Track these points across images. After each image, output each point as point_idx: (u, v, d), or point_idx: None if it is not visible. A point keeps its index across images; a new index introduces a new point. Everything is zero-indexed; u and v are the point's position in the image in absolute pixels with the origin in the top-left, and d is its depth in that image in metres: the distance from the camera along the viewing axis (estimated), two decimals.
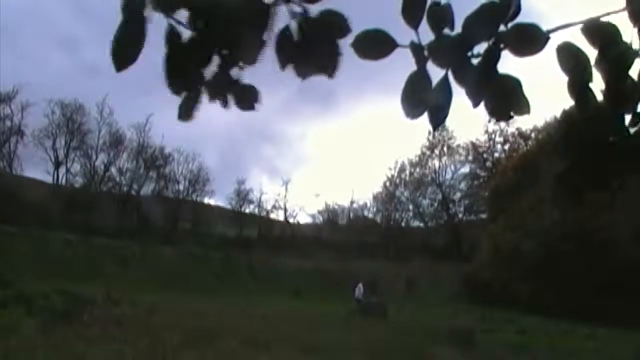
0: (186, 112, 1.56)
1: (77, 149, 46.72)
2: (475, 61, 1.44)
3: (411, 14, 1.43)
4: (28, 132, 44.77)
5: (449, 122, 50.24)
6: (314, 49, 1.48)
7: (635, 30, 1.48)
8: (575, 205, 26.00)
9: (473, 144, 51.42)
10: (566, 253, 28.64)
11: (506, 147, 50.28)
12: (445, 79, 1.45)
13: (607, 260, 26.74)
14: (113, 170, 48.27)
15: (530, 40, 1.40)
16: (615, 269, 26.11)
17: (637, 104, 1.67)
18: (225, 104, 1.59)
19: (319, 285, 36.60)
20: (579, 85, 1.52)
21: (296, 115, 78.61)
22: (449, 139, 52.51)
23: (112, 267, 32.54)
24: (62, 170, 46.48)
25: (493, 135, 50.34)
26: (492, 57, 1.42)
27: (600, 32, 1.46)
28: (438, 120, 1.49)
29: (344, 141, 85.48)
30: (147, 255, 35.99)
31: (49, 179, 46.31)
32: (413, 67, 1.49)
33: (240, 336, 12.71)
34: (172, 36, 1.44)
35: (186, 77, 1.52)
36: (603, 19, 1.47)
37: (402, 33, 1.47)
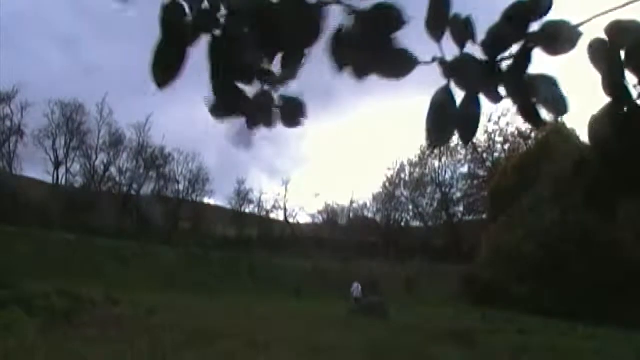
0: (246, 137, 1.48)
1: (77, 149, 46.74)
2: (505, 65, 1.37)
3: (434, 26, 1.36)
4: (28, 132, 44.84)
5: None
6: (373, 47, 1.39)
7: None
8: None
9: (473, 143, 51.31)
10: (566, 253, 28.65)
11: (506, 147, 50.30)
12: (473, 93, 1.37)
13: (608, 260, 26.75)
14: (113, 170, 48.33)
15: (563, 38, 1.34)
16: (616, 268, 26.12)
17: None
18: (269, 124, 1.51)
19: (319, 285, 36.60)
20: (615, 83, 1.45)
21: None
22: None
23: (112, 267, 32.52)
24: (62, 170, 46.51)
25: (493, 135, 50.38)
26: (523, 60, 1.35)
27: (624, 31, 1.41)
28: (469, 137, 1.42)
29: (344, 141, 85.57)
30: (147, 255, 35.98)
31: (48, 179, 46.35)
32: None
33: (240, 336, 12.70)
34: (216, 47, 1.36)
35: (232, 92, 1.44)
36: (627, 17, 1.41)
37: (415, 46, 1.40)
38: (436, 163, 53.53)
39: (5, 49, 58.62)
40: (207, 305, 21.19)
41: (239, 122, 1.48)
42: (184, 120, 64.88)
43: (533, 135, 45.30)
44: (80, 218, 39.40)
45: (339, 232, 53.03)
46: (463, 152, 52.22)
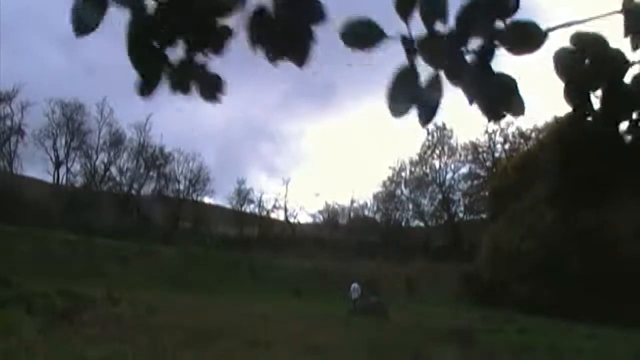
0: (147, 90, 1.50)
1: (78, 149, 46.81)
2: (469, 58, 1.38)
3: (404, 5, 1.37)
4: (28, 132, 44.91)
5: (449, 121, 50.40)
6: (286, 32, 1.42)
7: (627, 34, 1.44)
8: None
9: (473, 143, 51.44)
10: (566, 253, 28.64)
11: (506, 146, 50.28)
12: (436, 75, 1.39)
13: (608, 260, 26.73)
14: (113, 169, 48.41)
15: (527, 38, 1.34)
16: (616, 268, 26.09)
17: (632, 112, 1.63)
18: (185, 91, 1.54)
19: (319, 284, 36.59)
20: (575, 92, 1.48)
21: (293, 113, 78.38)
22: (449, 138, 52.57)
23: (112, 267, 32.54)
24: (63, 169, 46.61)
25: (493, 135, 50.38)
26: (486, 54, 1.36)
27: (588, 43, 1.42)
28: (427, 118, 1.43)
29: (344, 139, 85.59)
30: (148, 254, 35.99)
31: (49, 178, 46.43)
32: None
33: (240, 336, 12.71)
34: (136, 5, 1.40)
35: (149, 53, 1.46)
36: (589, 29, 1.42)
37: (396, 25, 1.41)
38: (437, 163, 53.59)
39: (6, 48, 58.64)
40: (207, 304, 21.19)
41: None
42: (184, 120, 64.95)
43: (533, 135, 45.35)
44: (81, 218, 39.41)
45: (339, 232, 53.01)
46: (463, 152, 52.32)
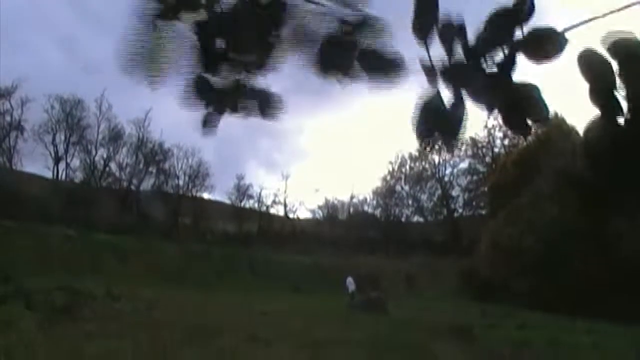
0: (210, 124, 1.50)
1: (77, 144, 46.76)
2: (490, 70, 1.34)
3: (421, 29, 1.33)
4: (28, 128, 44.85)
5: None
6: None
7: None
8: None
9: (472, 139, 51.38)
10: (566, 248, 28.64)
11: (506, 142, 50.25)
12: (460, 97, 1.35)
13: (607, 255, 26.75)
14: (113, 165, 48.39)
15: (548, 45, 1.31)
16: (616, 264, 26.11)
17: None
18: (234, 111, 1.52)
19: (319, 280, 36.63)
20: (603, 94, 1.42)
21: (291, 107, 77.79)
22: None
23: (112, 263, 32.56)
24: (62, 165, 46.57)
25: (492, 131, 50.33)
26: (508, 66, 1.32)
27: (619, 43, 1.37)
28: (455, 139, 1.41)
29: (343, 135, 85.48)
30: (147, 250, 36.00)
31: (48, 174, 46.39)
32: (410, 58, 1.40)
33: (240, 332, 12.71)
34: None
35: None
36: (619, 28, 1.38)
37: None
38: (436, 158, 53.57)
39: (5, 44, 58.50)
40: (206, 300, 21.20)
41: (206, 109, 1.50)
42: (183, 115, 64.57)
43: (533, 130, 45.22)
44: (80, 213, 39.39)
45: (339, 228, 53.04)
46: (463, 147, 52.28)
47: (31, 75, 63.37)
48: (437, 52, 1.37)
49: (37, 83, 59.22)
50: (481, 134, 51.00)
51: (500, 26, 1.30)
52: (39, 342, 9.68)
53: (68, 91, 45.56)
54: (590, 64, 1.39)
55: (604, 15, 1.38)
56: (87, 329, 11.67)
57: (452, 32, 1.32)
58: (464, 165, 53.01)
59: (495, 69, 1.34)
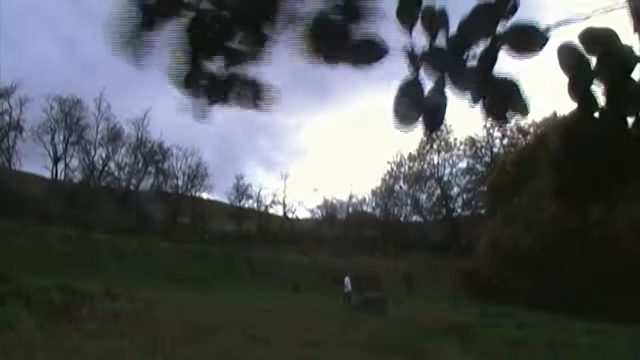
0: (203, 113, 1.50)
1: (76, 144, 46.64)
2: (471, 62, 1.36)
3: (405, 17, 1.35)
4: (27, 127, 44.67)
5: (448, 116, 50.34)
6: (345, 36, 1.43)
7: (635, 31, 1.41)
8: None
9: (471, 138, 51.45)
10: (565, 248, 28.64)
11: (504, 142, 50.30)
12: (441, 84, 1.38)
13: (607, 255, 26.76)
14: (112, 165, 48.27)
15: (529, 40, 1.33)
16: (615, 263, 26.12)
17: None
18: (226, 101, 1.52)
19: (317, 280, 36.64)
20: (580, 88, 1.45)
21: (290, 106, 77.87)
22: (447, 133, 52.58)
23: (111, 262, 32.52)
24: (61, 165, 46.43)
25: (491, 130, 50.35)
26: (489, 59, 1.35)
27: (597, 39, 1.39)
28: (434, 125, 1.43)
29: (342, 134, 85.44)
30: (146, 250, 35.98)
31: (47, 174, 46.26)
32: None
33: (239, 331, 12.71)
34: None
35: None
36: (598, 25, 1.39)
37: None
38: (435, 158, 53.60)
39: (4, 44, 58.42)
40: (205, 300, 21.20)
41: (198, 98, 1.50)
42: (182, 115, 64.47)
43: (532, 130, 45.33)
44: (79, 213, 39.36)
45: (338, 227, 53.04)
46: (462, 147, 52.34)
47: (30, 75, 63.28)
48: (421, 41, 1.39)
49: (36, 83, 59.07)
50: (480, 134, 51.13)
51: (483, 19, 1.31)
52: (38, 342, 9.68)
53: (67, 91, 45.52)
54: (568, 57, 1.42)
55: (587, 17, 1.39)
56: (86, 328, 11.67)
57: (435, 20, 1.34)
58: (462, 165, 53.12)
59: (476, 62, 1.36)
